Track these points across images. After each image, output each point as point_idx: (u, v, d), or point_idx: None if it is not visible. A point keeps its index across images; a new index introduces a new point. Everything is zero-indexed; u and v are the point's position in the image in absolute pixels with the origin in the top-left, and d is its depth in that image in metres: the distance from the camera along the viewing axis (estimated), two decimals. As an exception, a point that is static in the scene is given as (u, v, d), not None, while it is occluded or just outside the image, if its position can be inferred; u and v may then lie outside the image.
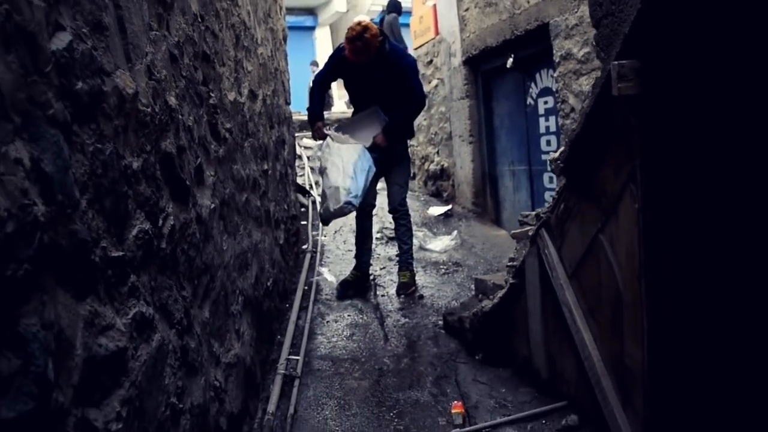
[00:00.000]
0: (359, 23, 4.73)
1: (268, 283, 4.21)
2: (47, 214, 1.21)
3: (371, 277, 5.67)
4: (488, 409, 3.28)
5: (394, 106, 4.98)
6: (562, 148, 2.96)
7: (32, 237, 1.15)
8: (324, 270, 6.08)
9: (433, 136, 9.07)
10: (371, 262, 5.70)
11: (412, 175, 10.00)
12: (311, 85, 5.29)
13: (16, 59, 1.15)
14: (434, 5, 8.52)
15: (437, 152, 8.94)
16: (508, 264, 3.75)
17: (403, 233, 5.41)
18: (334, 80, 5.56)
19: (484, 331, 3.90)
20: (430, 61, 8.96)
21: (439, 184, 8.93)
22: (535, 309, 3.35)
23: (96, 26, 1.57)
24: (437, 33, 8.56)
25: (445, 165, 8.67)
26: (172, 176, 2.14)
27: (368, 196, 5.21)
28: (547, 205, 3.60)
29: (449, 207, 8.15)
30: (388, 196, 5.42)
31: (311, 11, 21.89)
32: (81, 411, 1.31)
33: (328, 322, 4.79)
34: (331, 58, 5.29)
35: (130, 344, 1.60)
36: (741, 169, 2.33)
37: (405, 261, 5.42)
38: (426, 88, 9.19)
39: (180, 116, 2.30)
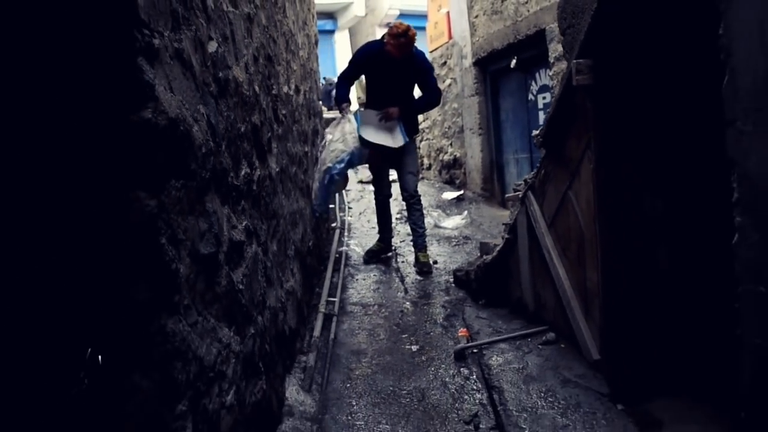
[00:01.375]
0: (402, 24, 5.43)
1: (309, 244, 5.04)
2: (213, 148, 2.05)
3: (393, 248, 6.46)
4: (487, 334, 4.08)
5: (407, 98, 5.70)
6: (541, 127, 3.75)
7: (210, 158, 1.99)
8: (351, 242, 6.90)
9: (446, 129, 9.87)
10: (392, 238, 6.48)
11: (428, 165, 10.84)
12: (337, 81, 5.88)
13: (198, 57, 1.98)
14: (447, 12, 9.32)
15: (450, 144, 9.74)
16: (504, 223, 4.55)
17: (417, 218, 5.85)
18: (359, 77, 6.01)
19: (485, 280, 4.71)
20: (444, 63, 9.76)
21: (452, 173, 9.72)
22: (525, 256, 4.15)
23: (224, 38, 2.40)
24: (450, 37, 9.36)
25: (458, 155, 9.46)
26: (257, 141, 2.98)
27: (385, 187, 5.98)
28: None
29: (461, 192, 8.94)
30: (404, 184, 5.81)
31: (331, 15, 22.44)
32: (227, 269, 2.14)
33: (357, 279, 5.61)
34: (358, 57, 5.77)
35: (246, 240, 2.43)
36: (665, 135, 3.11)
37: (423, 243, 5.88)
38: (441, 86, 10.02)
39: (260, 100, 3.14)
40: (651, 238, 3.14)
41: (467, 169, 9.10)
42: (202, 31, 2.07)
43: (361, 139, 5.40)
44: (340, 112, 5.68)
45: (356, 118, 5.68)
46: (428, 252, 6.00)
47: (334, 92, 6.12)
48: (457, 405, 3.26)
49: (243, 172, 2.57)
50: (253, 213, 2.77)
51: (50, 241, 1.39)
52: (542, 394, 3.13)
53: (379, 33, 20.74)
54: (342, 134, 5.42)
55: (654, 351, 3.14)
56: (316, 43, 7.72)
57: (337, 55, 21.22)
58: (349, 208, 8.59)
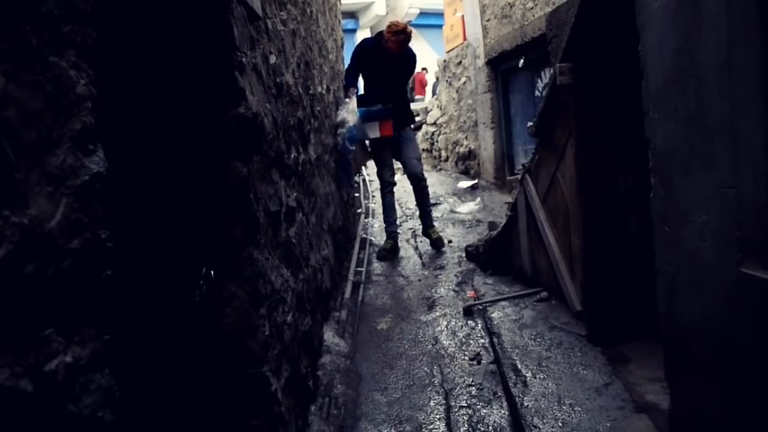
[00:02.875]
0: (400, 22, 6.01)
1: (339, 223, 5.72)
2: (275, 135, 2.73)
3: (412, 230, 7.12)
4: (491, 295, 4.73)
5: (401, 94, 6.27)
6: (534, 119, 4.38)
7: (274, 142, 2.67)
8: (375, 225, 7.58)
9: (462, 124, 10.50)
10: (399, 231, 7.09)
11: (445, 157, 11.48)
12: (345, 72, 6.48)
13: (265, 67, 2.66)
14: (462, 16, 9.95)
15: (466, 137, 10.37)
16: (506, 203, 5.19)
17: (424, 197, 6.32)
18: (361, 69, 6.34)
19: (491, 252, 5.36)
20: (460, 62, 10.39)
21: (468, 164, 10.36)
22: (523, 229, 4.80)
23: (279, 51, 3.08)
24: (465, 39, 9.98)
25: (472, 147, 10.10)
26: (301, 132, 3.66)
27: (389, 175, 6.33)
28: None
29: (475, 181, 9.58)
30: (409, 169, 6.26)
31: (353, 15, 23.04)
32: (286, 227, 2.82)
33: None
34: (357, 52, 6.27)
35: (296, 207, 3.12)
36: (630, 121, 3.73)
37: (431, 221, 6.44)
38: (456, 84, 10.66)
39: (302, 99, 3.82)
40: (623, 208, 3.77)
41: (481, 160, 9.73)
42: (266, 48, 2.75)
43: (362, 116, 5.97)
44: (346, 96, 6.22)
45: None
46: (444, 233, 6.65)
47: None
48: (463, 347, 3.93)
49: (293, 156, 3.25)
50: (299, 189, 3.45)
51: (183, 197, 2.08)
52: (533, 337, 3.78)
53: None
54: (346, 113, 5.97)
55: (627, 302, 3.75)
56: (342, 45, 8.38)
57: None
58: (373, 196, 9.27)
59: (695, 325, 2.11)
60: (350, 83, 6.28)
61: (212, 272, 2.13)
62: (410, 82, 10.91)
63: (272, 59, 2.85)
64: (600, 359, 3.39)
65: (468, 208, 8.25)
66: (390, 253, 6.36)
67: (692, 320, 2.13)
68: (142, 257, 2.00)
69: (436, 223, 7.29)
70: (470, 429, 2.98)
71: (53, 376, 0.90)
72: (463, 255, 6.03)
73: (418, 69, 10.46)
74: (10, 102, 0.86)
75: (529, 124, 4.47)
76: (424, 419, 3.10)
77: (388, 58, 5.92)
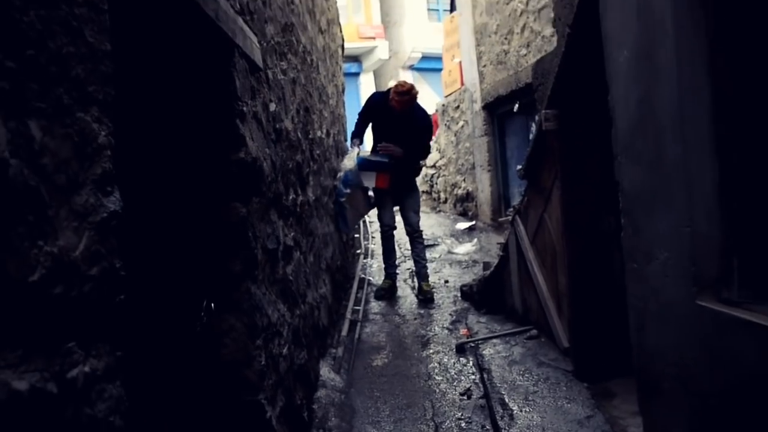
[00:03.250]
0: (407, 83, 6.08)
1: (338, 263, 5.89)
2: (273, 177, 2.91)
3: (410, 270, 7.26)
4: (483, 333, 4.86)
5: (409, 147, 6.11)
6: (523, 162, 4.57)
7: (272, 184, 2.86)
8: (374, 265, 7.73)
9: (460, 166, 10.72)
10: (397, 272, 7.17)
11: (444, 199, 11.68)
12: (356, 121, 6.42)
13: (265, 115, 2.86)
14: (460, 62, 10.25)
15: (464, 179, 10.58)
16: (498, 243, 5.36)
17: (421, 251, 6.32)
18: (369, 122, 6.38)
19: (485, 292, 5.51)
20: (458, 106, 10.66)
21: (465, 205, 10.54)
22: (514, 269, 4.95)
23: (279, 99, 3.28)
24: (462, 84, 10.26)
25: (470, 189, 10.29)
26: (300, 175, 3.85)
27: (388, 219, 6.35)
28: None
29: (473, 222, 9.75)
30: (407, 220, 6.33)
31: (356, 59, 23.34)
32: (283, 265, 2.99)
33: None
34: (368, 105, 6.34)
35: (294, 246, 3.29)
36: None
37: (425, 274, 6.32)
38: (454, 128, 10.92)
39: (301, 143, 4.02)
40: (607, 248, 3.92)
41: (478, 201, 9.92)
42: (266, 96, 2.96)
43: (359, 164, 6.06)
44: (351, 146, 6.32)
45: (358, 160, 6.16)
46: (441, 273, 6.78)
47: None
48: (455, 383, 4.05)
49: (291, 197, 3.43)
50: (297, 228, 3.62)
51: (188, 234, 2.25)
52: (521, 373, 3.91)
53: (401, 75, 21.77)
54: (347, 159, 6.17)
55: (613, 339, 3.88)
56: (343, 90, 8.66)
57: (362, 96, 22.11)
58: (372, 237, 9.43)
59: (661, 355, 2.26)
60: (356, 135, 6.36)
61: (212, 305, 2.29)
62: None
63: (272, 107, 3.06)
64: (584, 393, 3.52)
65: (465, 249, 8.41)
66: (387, 292, 6.40)
67: (658, 351, 2.28)
68: (150, 288, 2.17)
69: (433, 264, 7.46)
70: (458, 460, 3.10)
71: (74, 382, 1.06)
72: (459, 294, 6.17)
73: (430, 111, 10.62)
74: (45, 151, 1.04)
75: (518, 167, 4.66)
76: (414, 451, 3.22)
77: (393, 114, 6.01)
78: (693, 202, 1.96)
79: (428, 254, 7.40)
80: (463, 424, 3.45)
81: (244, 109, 2.45)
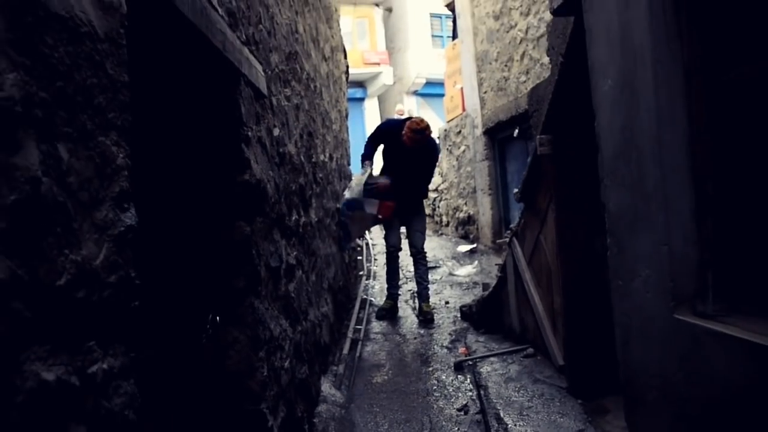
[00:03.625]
0: (423, 122, 6.07)
1: (340, 283, 6.00)
2: (277, 199, 3.04)
3: (412, 291, 7.37)
4: (481, 352, 4.95)
5: (416, 176, 6.28)
6: (520, 186, 4.70)
7: (275, 205, 2.98)
8: (376, 287, 7.84)
9: (462, 190, 10.86)
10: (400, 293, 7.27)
11: (446, 222, 11.79)
12: (366, 143, 6.52)
13: (269, 139, 2.99)
14: (461, 88, 10.43)
15: (465, 203, 10.71)
16: (496, 264, 5.46)
17: (423, 272, 6.41)
18: (379, 145, 6.46)
19: (483, 312, 5.60)
20: (459, 131, 10.82)
21: (467, 228, 10.66)
22: (512, 289, 5.05)
23: (282, 124, 3.42)
24: (464, 110, 10.43)
25: (471, 213, 10.42)
26: (302, 197, 3.98)
27: (395, 240, 6.45)
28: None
29: (474, 245, 9.86)
30: (412, 241, 6.42)
31: (361, 84, 23.58)
32: (285, 282, 3.11)
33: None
34: (381, 130, 6.46)
35: (296, 265, 3.41)
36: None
37: (426, 295, 6.41)
38: (456, 152, 11.07)
39: (304, 167, 4.15)
40: (600, 269, 4.02)
41: (479, 225, 10.04)
42: (271, 122, 3.09)
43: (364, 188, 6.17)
44: (362, 166, 6.37)
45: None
46: (442, 294, 6.87)
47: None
48: (452, 399, 4.14)
49: (294, 218, 3.56)
50: (299, 248, 3.74)
51: (195, 250, 2.38)
52: (517, 389, 4.00)
53: (406, 100, 22.03)
54: (354, 182, 6.31)
55: (607, 357, 3.97)
56: (347, 116, 8.82)
57: (367, 121, 22.37)
58: (375, 259, 9.55)
59: (644, 368, 2.36)
60: (367, 156, 6.39)
61: (218, 318, 2.40)
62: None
63: (276, 132, 3.19)
64: (577, 409, 3.60)
65: (466, 271, 8.52)
66: (389, 312, 6.46)
67: (642, 364, 2.39)
68: (160, 300, 2.28)
69: (434, 285, 7.56)
70: (454, 472, 3.19)
71: (94, 377, 1.18)
72: (458, 315, 6.26)
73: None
74: (71, 171, 1.16)
75: (515, 190, 4.78)
76: (411, 464, 3.31)
77: (404, 147, 6.07)
78: (671, 222, 2.07)
79: (430, 276, 7.49)
80: (459, 439, 3.54)
81: (249, 134, 2.58)
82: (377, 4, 24.13)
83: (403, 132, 6.02)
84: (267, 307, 2.71)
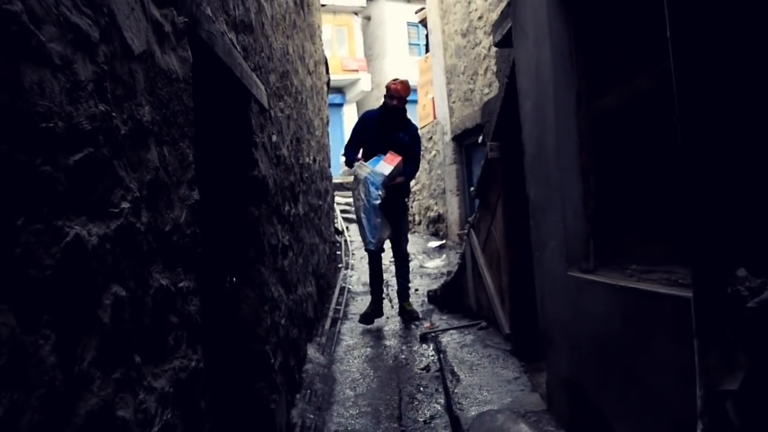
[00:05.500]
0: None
1: (322, 271, 6.72)
2: (274, 191, 3.77)
3: (385, 282, 8.10)
4: (443, 327, 5.71)
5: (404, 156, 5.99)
6: (475, 184, 5.46)
7: (274, 197, 3.72)
8: (354, 276, 8.57)
9: (432, 191, 11.64)
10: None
11: (418, 221, 12.56)
12: (345, 149, 6.40)
13: (269, 144, 3.73)
14: (432, 98, 11.22)
15: (435, 203, 11.49)
16: (458, 252, 6.22)
17: (405, 273, 6.35)
18: (361, 144, 6.22)
19: (446, 295, 6.37)
20: (431, 137, 11.61)
21: (437, 226, 11.44)
22: (470, 274, 5.81)
23: (278, 132, 4.15)
24: (435, 118, 11.23)
25: (441, 212, 11.20)
26: (293, 192, 4.71)
27: (380, 241, 6.01)
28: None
29: (443, 242, 10.64)
30: (397, 242, 6.30)
31: (340, 90, 24.18)
32: (281, 258, 3.83)
33: (356, 301, 7.27)
34: (363, 122, 6.31)
35: (289, 246, 4.14)
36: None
37: (407, 295, 6.39)
38: (428, 156, 11.84)
39: (294, 167, 4.88)
40: (539, 254, 4.80)
41: (448, 222, 10.82)
42: (270, 130, 3.82)
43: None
44: (351, 167, 6.23)
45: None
46: (412, 283, 7.60)
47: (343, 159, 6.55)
48: (417, 362, 4.88)
49: (286, 208, 4.28)
50: (291, 234, 4.46)
51: (220, 231, 3.10)
52: (470, 352, 4.76)
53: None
54: (358, 169, 5.93)
55: (543, 327, 4.75)
56: (328, 123, 9.56)
57: (345, 126, 23.02)
58: (353, 254, 10.28)
59: (552, 318, 3.13)
60: (352, 158, 6.21)
61: (234, 279, 3.12)
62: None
63: (274, 138, 3.92)
64: (516, 364, 4.36)
65: (435, 264, 9.29)
66: (371, 318, 6.14)
67: (552, 315, 3.15)
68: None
69: (406, 276, 8.29)
70: (415, 412, 3.93)
71: (181, 290, 1.90)
72: (426, 299, 7.02)
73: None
74: (169, 163, 1.89)
75: (471, 188, 5.56)
76: (381, 406, 4.04)
77: (389, 124, 6.02)
78: (566, 206, 2.83)
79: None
80: (421, 388, 4.29)
81: (257, 140, 3.31)
82: (356, 13, 24.83)
83: (389, 94, 6.00)
84: (269, 274, 3.43)
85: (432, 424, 3.68)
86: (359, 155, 6.23)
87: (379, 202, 5.76)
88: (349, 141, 6.44)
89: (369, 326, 6.09)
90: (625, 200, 2.62)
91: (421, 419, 3.78)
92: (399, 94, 5.98)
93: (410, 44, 24.09)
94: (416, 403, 4.04)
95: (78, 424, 1.21)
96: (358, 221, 5.99)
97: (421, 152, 12.19)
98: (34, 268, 1.09)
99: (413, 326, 6.02)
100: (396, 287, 6.55)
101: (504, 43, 3.94)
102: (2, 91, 1.03)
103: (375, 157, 6.00)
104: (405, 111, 6.18)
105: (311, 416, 3.72)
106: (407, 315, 6.22)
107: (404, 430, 3.63)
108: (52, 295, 1.15)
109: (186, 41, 2.11)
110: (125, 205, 1.52)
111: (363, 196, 5.81)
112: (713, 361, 1.55)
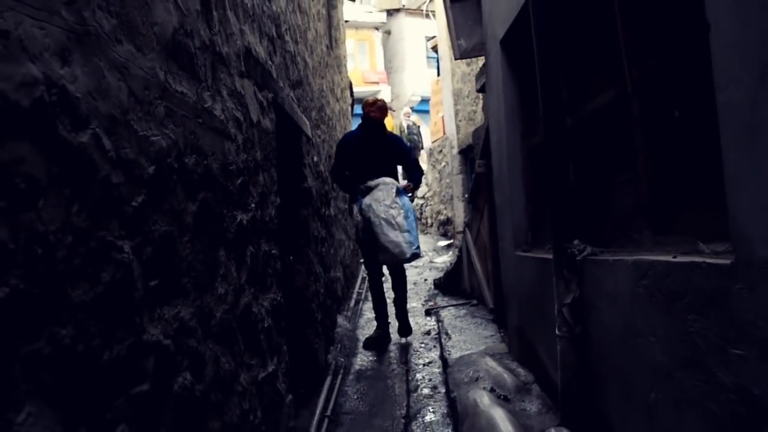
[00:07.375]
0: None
1: (347, 262, 8.04)
2: (316, 197, 5.11)
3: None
4: (443, 305, 7.00)
5: (390, 172, 5.60)
6: (469, 193, 6.73)
7: (316, 201, 5.06)
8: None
9: (443, 197, 12.92)
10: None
11: (430, 223, 13.86)
12: (331, 177, 6.06)
13: (311, 163, 5.07)
14: (442, 116, 12.52)
15: (445, 208, 12.77)
16: (456, 247, 7.52)
17: (403, 288, 5.85)
18: (347, 164, 5.54)
19: (447, 281, 7.67)
20: (441, 151, 12.90)
21: (446, 228, 12.73)
22: (465, 263, 7.10)
23: (318, 153, 5.49)
24: (444, 133, 12.52)
25: (449, 215, 12.48)
26: (326, 199, 6.03)
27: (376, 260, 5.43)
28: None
29: (451, 241, 11.93)
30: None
31: (362, 101, 25.41)
32: (320, 247, 5.17)
33: (375, 287, 8.58)
34: (344, 144, 5.68)
35: (324, 237, 5.47)
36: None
37: (407, 322, 5.84)
38: (438, 167, 13.13)
39: (327, 179, 6.20)
40: (515, 246, 6.07)
41: (455, 224, 12.09)
42: (312, 153, 5.15)
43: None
44: (346, 191, 5.94)
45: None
46: (423, 275, 8.90)
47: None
48: (422, 329, 6.18)
49: (323, 210, 5.61)
50: (325, 230, 5.78)
51: (285, 225, 4.44)
52: (461, 321, 6.05)
53: (403, 117, 23.97)
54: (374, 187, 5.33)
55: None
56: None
57: (366, 138, 24.20)
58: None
59: (508, 285, 4.42)
60: (351, 183, 5.52)
61: (291, 257, 4.45)
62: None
63: (314, 158, 5.25)
64: (494, 328, 5.65)
65: (443, 259, 10.58)
66: (377, 342, 5.65)
67: (507, 283, 4.45)
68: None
69: (417, 269, 9.59)
70: (417, 359, 5.23)
71: (275, 253, 3.23)
72: (432, 286, 8.32)
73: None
74: (265, 182, 3.21)
75: (465, 195, 6.85)
76: (392, 356, 5.35)
77: (370, 142, 5.54)
78: (514, 209, 4.13)
79: (414, 263, 9.44)
80: (423, 346, 5.59)
81: (305, 161, 4.64)
82: (377, 28, 25.73)
83: (365, 115, 5.54)
84: (313, 256, 4.76)
85: (429, 365, 4.99)
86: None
87: (410, 203, 5.46)
88: (334, 166, 5.76)
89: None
90: (544, 205, 3.91)
91: (422, 362, 5.09)
92: (378, 116, 5.52)
93: (428, 57, 24.46)
94: (419, 353, 5.35)
95: (240, 309, 2.54)
96: (374, 238, 5.19)
97: (432, 164, 13.56)
98: (230, 233, 2.43)
99: (420, 305, 7.32)
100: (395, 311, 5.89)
101: (482, 90, 5.25)
102: (216, 153, 2.37)
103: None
104: (384, 127, 5.74)
105: (341, 359, 5.04)
106: (402, 330, 5.82)
107: (408, 368, 4.94)
108: (235, 246, 2.49)
109: (272, 108, 3.45)
110: (252, 205, 2.86)
111: (383, 208, 5.12)
112: (561, 289, 2.85)
